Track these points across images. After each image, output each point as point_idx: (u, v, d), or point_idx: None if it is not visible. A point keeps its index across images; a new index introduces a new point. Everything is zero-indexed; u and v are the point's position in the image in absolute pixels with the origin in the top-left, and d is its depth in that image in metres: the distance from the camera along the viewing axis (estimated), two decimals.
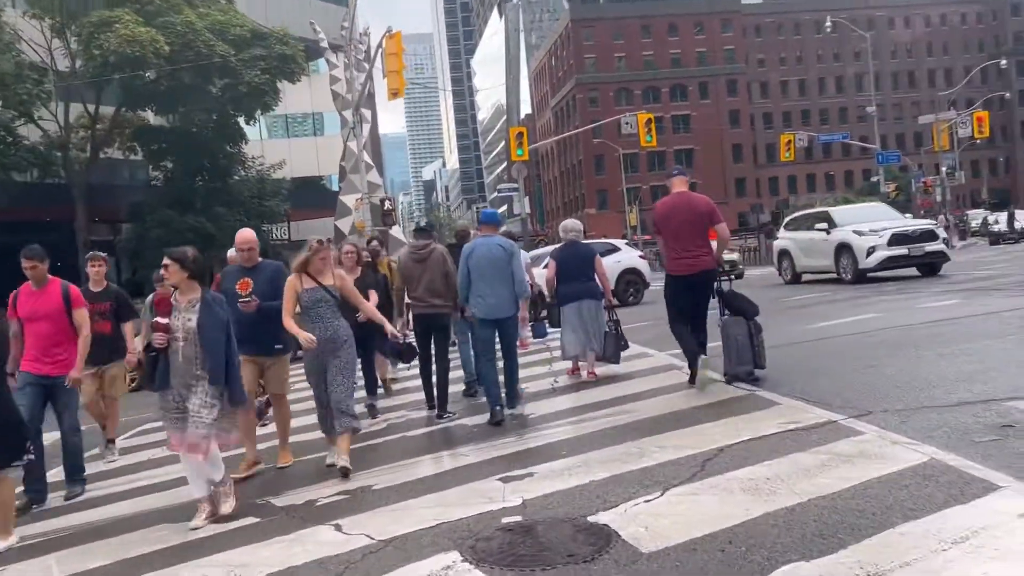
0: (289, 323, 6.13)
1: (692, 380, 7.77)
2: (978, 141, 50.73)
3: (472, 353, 8.97)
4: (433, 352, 8.03)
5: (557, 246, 9.61)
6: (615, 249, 20.37)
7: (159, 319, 5.39)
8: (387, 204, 25.20)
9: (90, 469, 7.33)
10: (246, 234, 6.77)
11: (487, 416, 7.62)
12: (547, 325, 9.76)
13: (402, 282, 8.41)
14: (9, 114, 25.12)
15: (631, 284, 20.03)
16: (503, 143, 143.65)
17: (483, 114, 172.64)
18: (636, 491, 4.70)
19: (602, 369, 9.19)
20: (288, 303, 6.16)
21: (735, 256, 29.39)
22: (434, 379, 8.02)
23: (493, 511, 4.68)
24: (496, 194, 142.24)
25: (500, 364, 7.67)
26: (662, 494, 4.59)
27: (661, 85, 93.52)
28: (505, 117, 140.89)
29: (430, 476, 5.78)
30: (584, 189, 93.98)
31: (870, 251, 17.42)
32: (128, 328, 7.77)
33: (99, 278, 7.75)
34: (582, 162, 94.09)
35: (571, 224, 9.22)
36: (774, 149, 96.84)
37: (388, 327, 6.79)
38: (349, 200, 27.46)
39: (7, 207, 25.03)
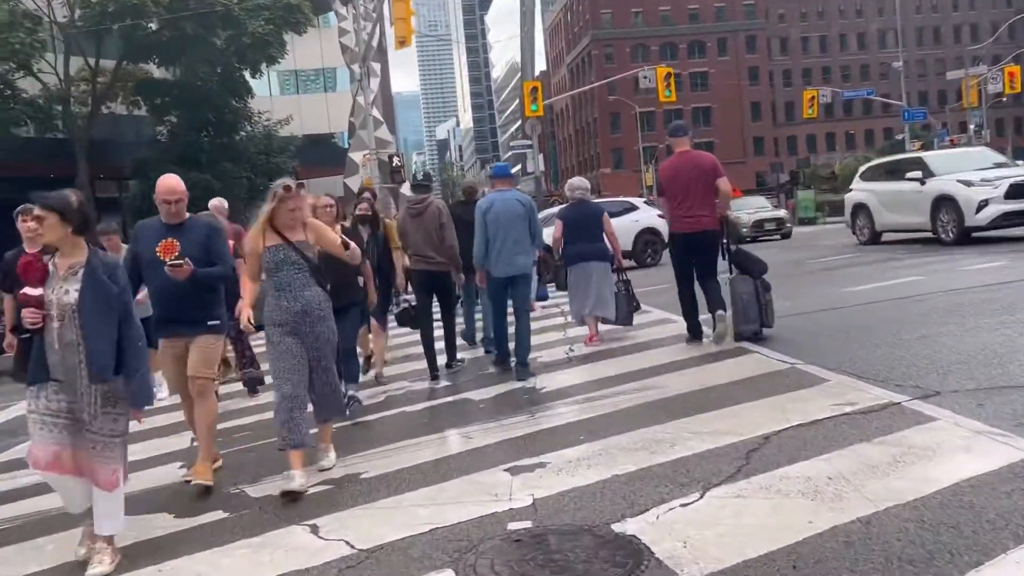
0: (247, 290, 5.10)
1: (689, 340, 7.89)
2: (1004, 99, 49.08)
3: (474, 316, 9.22)
4: (437, 312, 7.96)
5: (564, 205, 9.19)
6: (633, 208, 19.46)
7: (29, 290, 3.91)
8: (396, 161, 24.20)
9: None
10: (170, 181, 5.21)
11: (495, 389, 7.00)
12: (551, 288, 9.26)
13: (401, 239, 8.05)
14: (6, 66, 24.25)
15: (649, 244, 19.16)
16: (517, 101, 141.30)
17: (497, 72, 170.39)
18: (669, 491, 3.91)
19: (606, 330, 8.80)
20: (250, 265, 5.06)
21: (782, 213, 29.28)
22: (439, 342, 7.94)
23: (498, 513, 3.91)
24: (510, 152, 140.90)
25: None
26: (701, 496, 3.80)
27: (678, 41, 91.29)
28: (520, 75, 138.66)
29: (428, 463, 5.00)
30: (599, 148, 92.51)
31: (981, 205, 14.24)
32: None
33: (32, 236, 6.06)
34: (597, 120, 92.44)
35: (578, 182, 8.81)
36: (794, 107, 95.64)
37: (371, 293, 6.54)
38: (358, 157, 26.58)
39: (7, 162, 24.34)
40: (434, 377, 7.72)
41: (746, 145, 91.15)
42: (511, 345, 7.61)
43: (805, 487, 3.75)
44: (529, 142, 29.97)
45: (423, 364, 8.66)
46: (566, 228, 8.50)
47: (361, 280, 6.60)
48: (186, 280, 4.99)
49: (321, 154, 39.31)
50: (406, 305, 8.09)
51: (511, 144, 30.23)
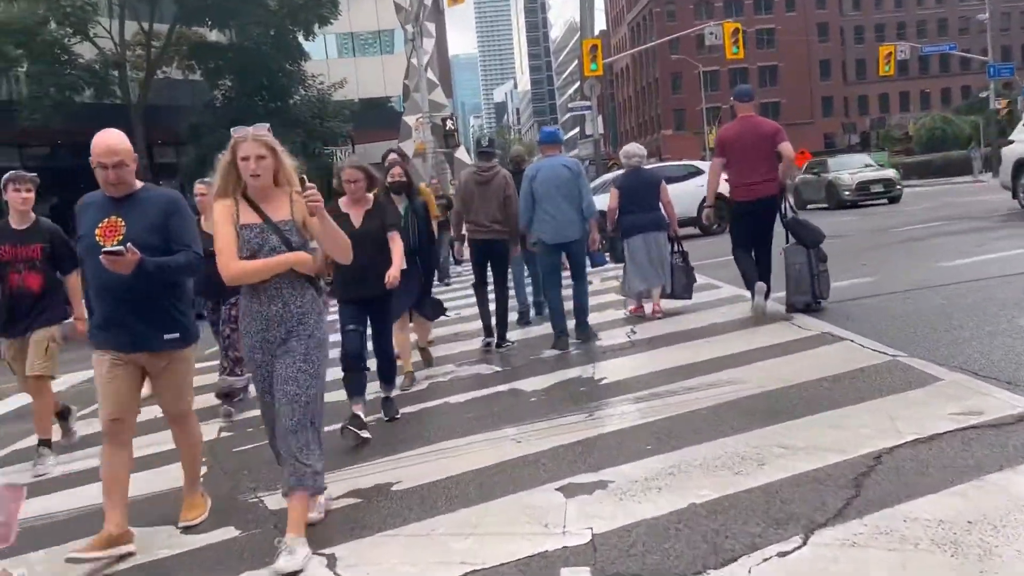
0: (237, 269, 3.61)
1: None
2: None
3: (524, 279, 9.10)
4: (491, 280, 7.84)
5: (618, 173, 9.02)
6: (697, 172, 18.39)
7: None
8: (449, 124, 23.45)
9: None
10: (108, 139, 3.85)
11: (550, 378, 6.33)
12: (607, 256, 8.83)
13: (461, 205, 7.88)
14: (62, 30, 24.13)
15: (717, 212, 18.09)
16: (576, 62, 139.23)
17: (556, 32, 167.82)
18: (762, 531, 3.14)
19: (667, 307, 8.38)
20: (225, 242, 3.61)
21: (891, 173, 24.61)
22: (492, 308, 7.75)
23: (549, 553, 3.19)
24: (568, 114, 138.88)
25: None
26: (804, 541, 3.02)
27: None
28: (579, 34, 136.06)
29: (470, 475, 4.30)
30: (660, 109, 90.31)
31: None
32: (73, 281, 5.60)
33: (25, 209, 5.47)
34: (658, 80, 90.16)
35: (634, 149, 8.49)
36: (865, 65, 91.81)
37: (392, 274, 5.32)
38: (411, 121, 25.93)
39: (66, 128, 24.33)
40: (488, 337, 7.76)
41: (814, 105, 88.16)
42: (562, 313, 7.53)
43: (939, 535, 2.94)
44: (588, 103, 28.81)
45: (471, 344, 8.05)
46: (622, 197, 8.18)
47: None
48: (131, 274, 3.62)
49: (377, 118, 38.84)
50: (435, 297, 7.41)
51: (569, 106, 29.20)
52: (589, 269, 8.99)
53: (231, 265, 3.57)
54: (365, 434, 5.12)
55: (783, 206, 7.48)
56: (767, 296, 7.48)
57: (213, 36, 29.49)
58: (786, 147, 7.28)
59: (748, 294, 8.46)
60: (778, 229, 7.61)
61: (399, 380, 6.33)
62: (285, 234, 3.64)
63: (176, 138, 27.89)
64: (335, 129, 28.74)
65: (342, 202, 5.44)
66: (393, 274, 5.33)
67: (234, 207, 3.65)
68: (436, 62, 51.04)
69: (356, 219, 5.35)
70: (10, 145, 26.20)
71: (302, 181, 3.58)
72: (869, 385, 4.92)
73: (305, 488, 3.61)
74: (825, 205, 23.64)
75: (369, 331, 5.57)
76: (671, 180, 18.16)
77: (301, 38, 29.24)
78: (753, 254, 7.61)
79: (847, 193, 22.76)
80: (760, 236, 7.53)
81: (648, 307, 8.40)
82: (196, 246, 3.92)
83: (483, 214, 7.55)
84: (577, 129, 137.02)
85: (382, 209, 5.48)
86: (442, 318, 7.93)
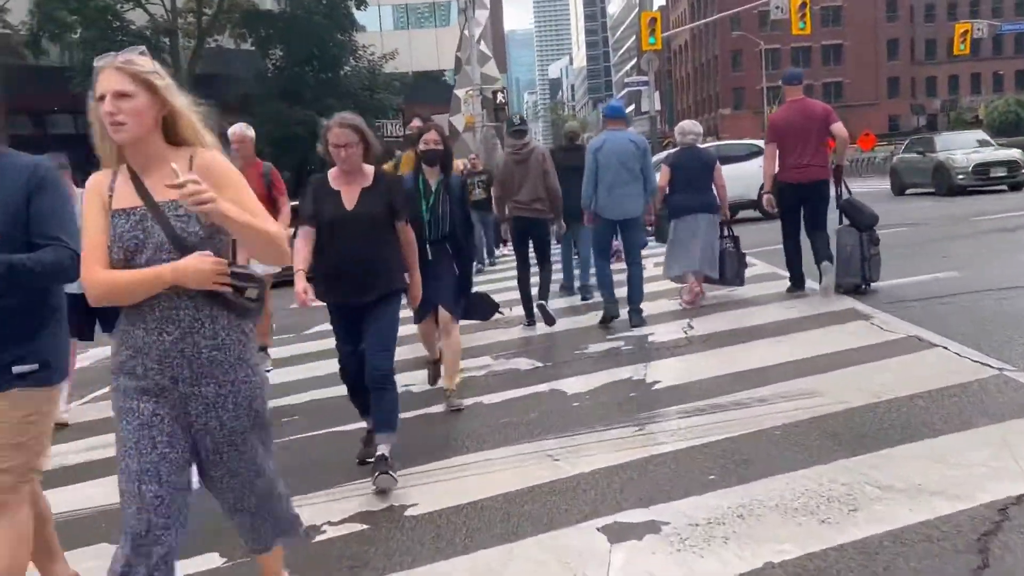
0: (99, 282, 2.25)
1: (791, 290, 7.83)
2: None
3: (572, 257, 9.12)
4: (534, 259, 7.72)
5: (671, 151, 9.02)
6: (759, 152, 17.39)
7: None
8: (500, 97, 22.64)
9: None
10: None
11: (596, 378, 5.65)
12: (650, 239, 8.82)
13: (501, 188, 7.74)
14: None
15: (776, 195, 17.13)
16: (633, 38, 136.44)
17: (613, 7, 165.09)
18: None
19: (718, 297, 8.05)
20: (88, 240, 2.28)
21: (1016, 154, 20.45)
22: (534, 292, 7.62)
23: None
24: (624, 89, 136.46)
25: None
26: None
27: None
28: (636, 10, 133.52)
29: (496, 500, 3.64)
30: (719, 87, 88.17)
31: None
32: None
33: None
34: (718, 58, 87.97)
35: (689, 126, 8.06)
36: (935, 44, 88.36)
37: (415, 290, 4.29)
38: (462, 94, 25.27)
39: None
40: (530, 323, 7.60)
41: (879, 86, 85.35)
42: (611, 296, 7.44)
43: None
44: (645, 78, 27.76)
45: (509, 335, 7.41)
46: (673, 176, 7.77)
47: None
48: None
49: (430, 91, 38.21)
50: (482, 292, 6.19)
51: (625, 81, 28.11)
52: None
53: (90, 275, 2.24)
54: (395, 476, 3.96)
55: (839, 188, 7.54)
56: (828, 272, 7.40)
57: (266, 4, 29.12)
58: (839, 127, 7.38)
59: (814, 284, 7.84)
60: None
61: (440, 382, 5.57)
62: (174, 224, 2.25)
63: (226, 107, 27.62)
64: (385, 101, 28.18)
65: (332, 175, 4.13)
66: (414, 294, 4.31)
67: (108, 183, 2.32)
68: (490, 36, 50.19)
69: (349, 199, 4.03)
70: (65, 112, 26.19)
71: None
72: (975, 406, 4.13)
73: (274, 538, 2.65)
74: (931, 190, 20.27)
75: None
76: (731, 160, 17.24)
77: (353, 7, 28.70)
78: (808, 239, 7.61)
79: (961, 177, 19.21)
80: (813, 219, 7.54)
81: (684, 295, 8.00)
82: (72, 238, 2.61)
83: (524, 192, 7.44)
84: (632, 106, 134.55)
85: (388, 188, 4.14)
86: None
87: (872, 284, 7.51)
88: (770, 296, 7.93)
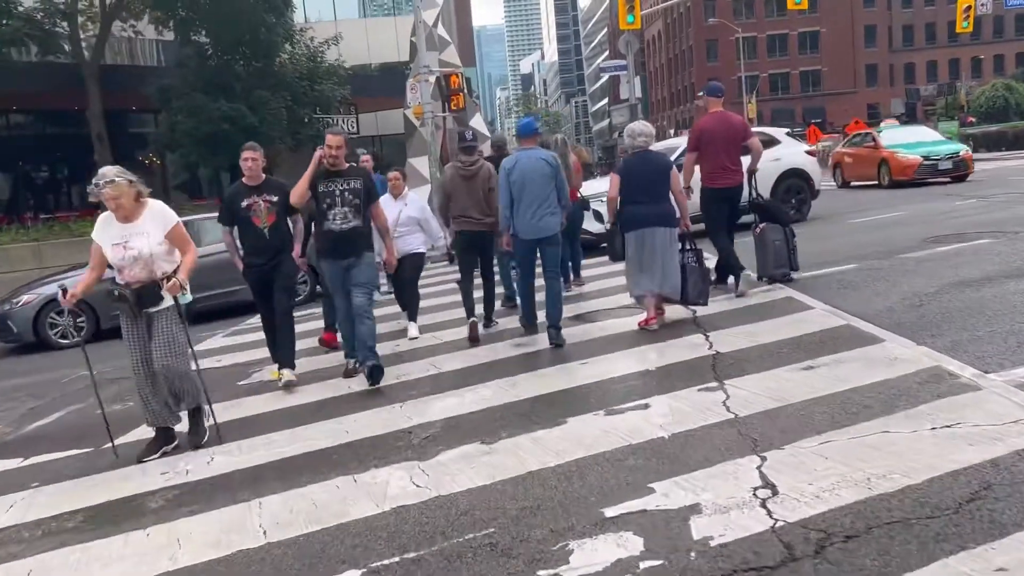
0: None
1: (716, 282, 7.91)
2: None
3: (510, 270, 9.05)
4: (478, 271, 7.98)
5: (623, 157, 7.90)
6: (772, 142, 14.28)
7: None
8: (457, 83, 19.07)
9: None
10: None
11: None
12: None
13: (444, 199, 7.87)
14: None
15: (794, 192, 14.06)
16: (605, 31, 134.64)
17: (584, 1, 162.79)
18: None
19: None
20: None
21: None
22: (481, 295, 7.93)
23: None
24: (596, 83, 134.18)
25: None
26: None
27: None
28: (607, 3, 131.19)
29: None
30: (694, 78, 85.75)
31: None
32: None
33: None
34: (692, 48, 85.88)
35: (639, 127, 7.23)
36: (913, 31, 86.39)
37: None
38: (409, 82, 21.92)
39: (8, 91, 20.67)
40: (469, 316, 7.61)
41: (857, 73, 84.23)
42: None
43: None
44: (624, 62, 24.59)
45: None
46: (624, 184, 7.02)
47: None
48: None
49: (389, 84, 34.73)
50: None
51: (601, 65, 24.91)
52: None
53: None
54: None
55: (751, 191, 8.23)
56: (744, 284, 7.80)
57: None
58: (754, 141, 8.09)
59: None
60: None
61: None
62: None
63: (143, 103, 24.04)
64: (327, 93, 24.73)
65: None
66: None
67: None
68: (454, 21, 46.67)
69: None
70: None
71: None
72: None
73: None
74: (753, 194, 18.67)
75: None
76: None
77: None
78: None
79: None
80: (734, 220, 8.17)
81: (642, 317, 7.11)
82: None
83: (472, 207, 7.58)
84: (605, 101, 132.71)
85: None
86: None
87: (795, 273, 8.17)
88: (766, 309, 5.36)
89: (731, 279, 7.91)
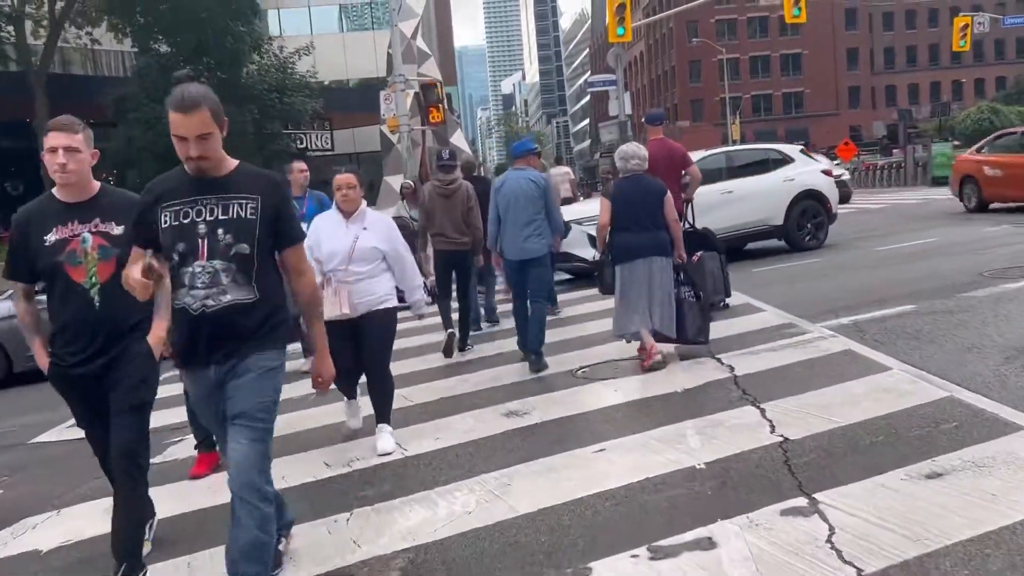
0: None
1: None
2: None
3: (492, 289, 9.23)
4: (455, 290, 7.98)
5: (615, 180, 6.92)
6: (784, 160, 12.89)
7: None
8: (436, 94, 17.38)
9: None
10: None
11: None
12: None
13: (425, 219, 7.75)
14: None
15: (810, 215, 12.63)
16: (586, 51, 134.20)
17: (565, 22, 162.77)
18: None
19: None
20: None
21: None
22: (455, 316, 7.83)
23: None
24: (578, 104, 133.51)
25: None
26: None
27: None
28: (588, 23, 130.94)
29: None
30: (676, 99, 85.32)
31: None
32: None
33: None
34: (675, 69, 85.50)
35: (632, 149, 6.65)
36: (894, 53, 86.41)
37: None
38: (383, 93, 20.41)
39: None
40: (447, 328, 7.64)
41: (839, 95, 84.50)
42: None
43: None
44: (612, 77, 23.24)
45: None
46: (616, 210, 6.44)
47: None
48: None
49: (368, 99, 33.29)
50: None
51: (589, 80, 23.50)
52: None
53: None
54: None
55: (686, 220, 8.00)
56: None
57: None
58: (694, 169, 8.17)
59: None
60: None
61: None
62: None
63: (100, 115, 22.33)
64: (298, 106, 23.15)
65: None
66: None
67: None
68: (434, 33, 45.30)
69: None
70: None
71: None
72: None
73: None
74: (690, 223, 18.33)
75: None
76: (747, 171, 12.79)
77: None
78: None
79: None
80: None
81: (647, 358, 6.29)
82: None
83: (449, 227, 7.59)
84: (586, 121, 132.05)
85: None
86: None
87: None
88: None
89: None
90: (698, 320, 6.55)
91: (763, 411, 4.64)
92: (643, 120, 8.59)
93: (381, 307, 4.95)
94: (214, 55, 21.88)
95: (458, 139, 26.84)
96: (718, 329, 6.91)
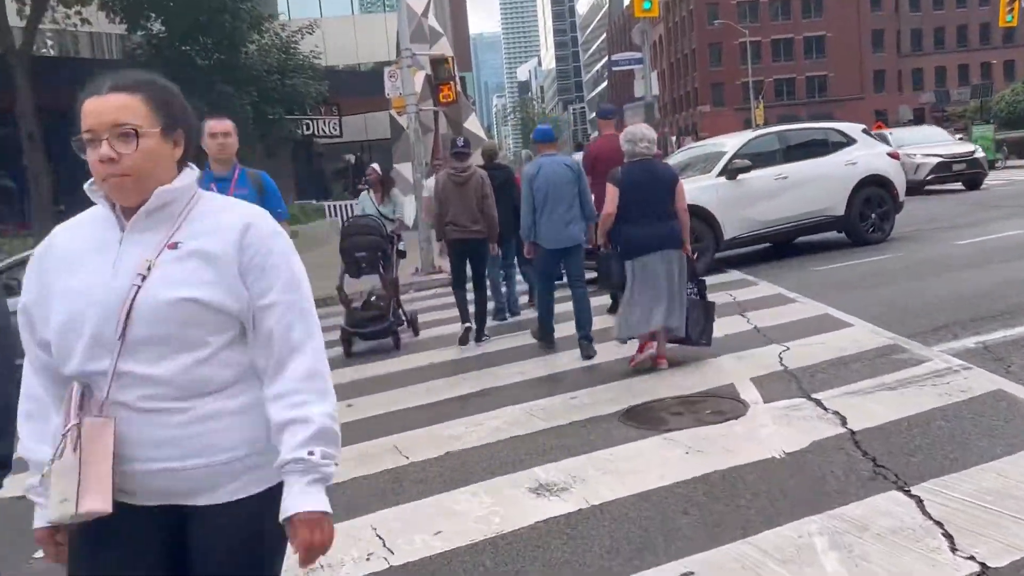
0: None
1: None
2: None
3: (500, 279, 8.90)
4: (470, 278, 7.75)
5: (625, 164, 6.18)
6: (845, 141, 11.26)
7: None
8: (447, 71, 15.82)
9: None
10: None
11: None
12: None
13: (439, 206, 7.65)
14: None
15: (875, 203, 11.01)
16: (604, 36, 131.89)
17: (582, 7, 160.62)
18: None
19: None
20: None
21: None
22: (471, 307, 7.68)
23: None
24: (595, 89, 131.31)
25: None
26: None
27: None
28: (606, 7, 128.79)
29: None
30: (697, 83, 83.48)
31: None
32: None
33: None
34: (695, 51, 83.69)
35: (641, 131, 6.07)
36: (921, 35, 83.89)
37: None
38: (388, 69, 18.91)
39: None
40: (465, 321, 7.57)
41: (864, 79, 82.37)
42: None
43: None
44: (638, 55, 21.60)
45: None
46: (624, 198, 5.84)
47: None
48: None
49: (376, 84, 31.85)
50: None
51: (613, 59, 21.97)
52: None
53: None
54: None
55: None
56: None
57: None
58: None
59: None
60: None
61: None
62: None
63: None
64: (300, 88, 21.65)
65: None
66: None
67: None
68: (452, 33, 43.73)
69: None
70: None
71: None
72: None
73: None
74: None
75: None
76: (806, 152, 11.17)
77: None
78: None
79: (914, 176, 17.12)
80: None
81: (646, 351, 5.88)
82: None
83: (463, 215, 7.46)
84: (608, 101, 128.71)
85: None
86: None
87: None
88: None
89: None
90: (702, 319, 6.07)
91: (920, 503, 3.10)
92: (595, 115, 8.54)
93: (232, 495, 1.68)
94: (211, 34, 20.40)
95: (473, 124, 25.33)
96: (801, 352, 5.39)
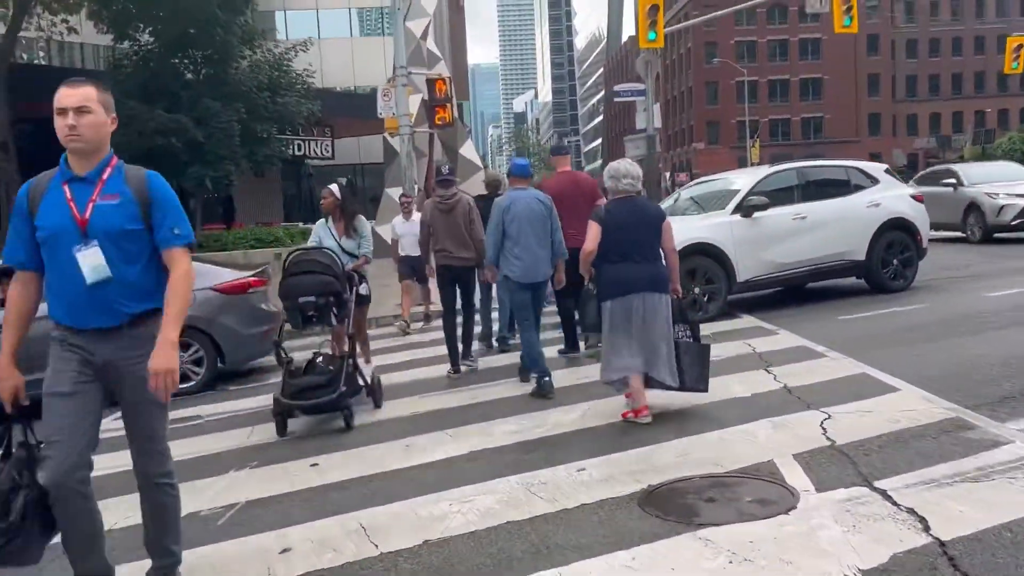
0: None
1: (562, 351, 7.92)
2: None
3: (490, 306, 9.16)
4: (459, 305, 7.75)
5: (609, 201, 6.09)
6: (866, 182, 10.52)
7: None
8: (444, 90, 14.84)
9: None
10: None
11: None
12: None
13: (426, 233, 7.63)
14: None
15: (898, 249, 10.25)
16: (601, 71, 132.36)
17: (580, 42, 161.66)
18: None
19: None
20: None
21: None
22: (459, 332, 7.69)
23: None
24: (590, 123, 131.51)
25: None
26: None
27: (788, 3, 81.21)
28: (602, 44, 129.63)
29: None
30: (693, 120, 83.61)
31: None
32: None
33: None
34: (692, 90, 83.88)
35: (625, 167, 5.80)
36: (915, 81, 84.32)
37: None
38: (380, 88, 18.21)
39: None
40: (456, 371, 7.51)
41: (859, 122, 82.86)
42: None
43: None
44: (641, 86, 20.98)
45: None
46: (607, 237, 5.53)
47: None
48: None
49: (371, 106, 31.23)
50: None
51: (616, 89, 21.35)
52: None
53: None
54: None
55: None
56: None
57: None
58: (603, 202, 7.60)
59: None
60: None
61: None
62: None
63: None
64: (291, 107, 20.86)
65: None
66: None
67: None
68: (451, 63, 43.26)
69: None
70: None
71: None
72: None
73: None
74: (961, 233, 15.93)
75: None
76: (823, 191, 10.46)
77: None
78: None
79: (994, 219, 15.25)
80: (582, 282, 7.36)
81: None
82: None
83: (450, 242, 7.49)
84: (599, 141, 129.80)
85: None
86: None
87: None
88: None
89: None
90: (696, 364, 5.66)
91: None
92: (550, 152, 8.90)
93: None
94: (200, 47, 19.62)
95: (468, 150, 24.66)
96: (847, 422, 4.57)
